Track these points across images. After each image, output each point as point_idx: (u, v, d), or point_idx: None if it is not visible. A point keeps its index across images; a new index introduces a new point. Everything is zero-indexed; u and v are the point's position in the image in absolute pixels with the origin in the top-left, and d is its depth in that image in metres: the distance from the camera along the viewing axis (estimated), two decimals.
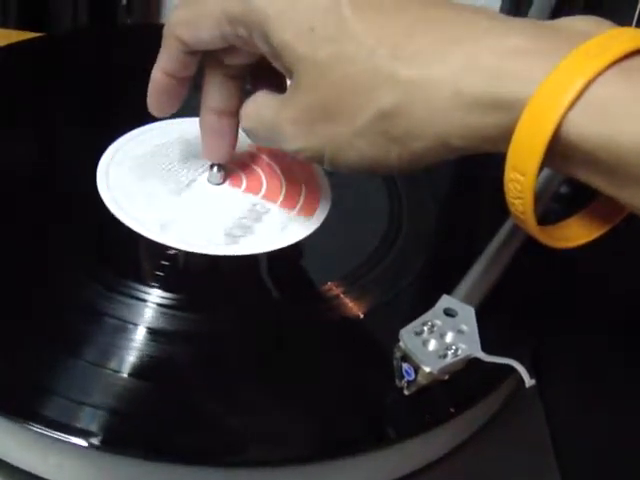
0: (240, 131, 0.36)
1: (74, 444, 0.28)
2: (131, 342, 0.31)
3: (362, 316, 0.33)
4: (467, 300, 0.32)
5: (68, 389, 0.29)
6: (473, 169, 0.40)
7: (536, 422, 0.35)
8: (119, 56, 0.48)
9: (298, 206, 0.37)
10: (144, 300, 0.32)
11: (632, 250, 0.38)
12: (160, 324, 0.31)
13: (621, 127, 0.24)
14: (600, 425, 0.34)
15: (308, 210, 0.37)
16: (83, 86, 0.44)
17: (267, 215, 0.37)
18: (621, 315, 0.37)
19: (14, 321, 0.31)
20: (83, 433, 0.28)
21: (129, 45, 0.49)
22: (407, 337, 0.29)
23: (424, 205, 0.39)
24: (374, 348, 0.33)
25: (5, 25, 0.66)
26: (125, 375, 0.30)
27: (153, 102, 0.35)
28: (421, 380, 0.29)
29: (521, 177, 0.25)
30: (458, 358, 0.29)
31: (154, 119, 0.37)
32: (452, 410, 0.30)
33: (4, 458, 0.30)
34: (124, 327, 0.31)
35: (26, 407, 0.28)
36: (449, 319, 0.30)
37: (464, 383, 0.30)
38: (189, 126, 0.39)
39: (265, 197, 0.38)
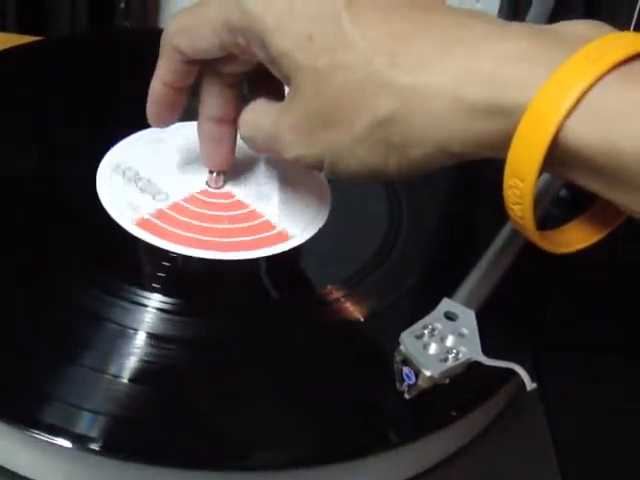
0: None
1: (74, 449, 0.27)
2: (131, 347, 0.31)
3: (362, 320, 0.33)
4: (468, 303, 0.31)
5: (68, 394, 0.29)
6: (472, 172, 0.40)
7: (537, 425, 0.35)
8: (118, 59, 0.48)
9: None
10: (144, 305, 0.32)
11: (632, 253, 0.38)
12: (160, 329, 0.31)
13: (621, 132, 0.24)
14: (601, 428, 0.34)
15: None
16: (82, 89, 0.44)
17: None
18: (622, 318, 0.37)
19: (13, 326, 0.31)
20: (83, 438, 0.28)
21: (127, 49, 0.49)
22: (408, 341, 0.29)
23: (424, 208, 0.39)
24: (375, 352, 0.33)
25: (3, 29, 0.66)
26: (125, 380, 0.30)
27: (153, 112, 0.35)
28: (422, 384, 0.29)
29: (520, 183, 0.25)
30: (459, 362, 0.29)
31: None
32: (453, 414, 0.30)
33: (3, 464, 0.30)
34: (124, 332, 0.31)
35: (26, 413, 0.28)
36: (450, 322, 0.30)
37: (465, 387, 0.30)
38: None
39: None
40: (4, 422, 0.28)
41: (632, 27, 0.48)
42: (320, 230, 0.37)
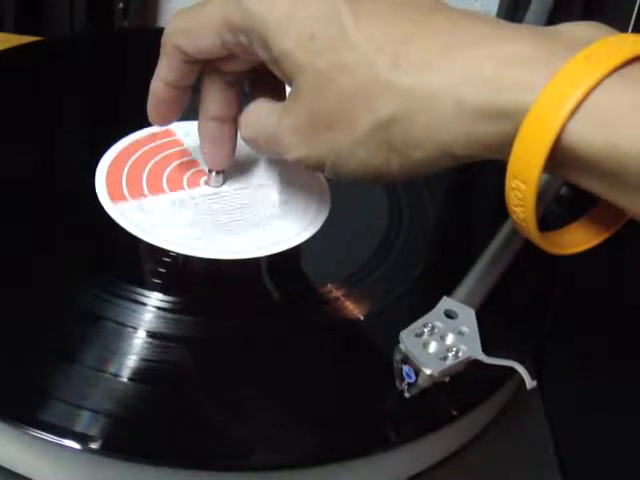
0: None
1: (73, 448, 0.27)
2: (130, 346, 0.31)
3: (362, 318, 0.33)
4: (467, 302, 0.31)
5: (67, 393, 0.29)
6: (473, 171, 0.40)
7: (537, 423, 0.35)
8: (116, 59, 0.48)
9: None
10: (143, 304, 0.32)
11: (632, 253, 0.38)
12: (159, 328, 0.31)
13: (622, 134, 0.24)
14: (601, 426, 0.34)
15: None
16: (81, 89, 0.44)
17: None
18: (621, 316, 0.37)
19: (12, 325, 0.31)
20: (82, 437, 0.27)
21: (126, 49, 0.49)
22: (407, 339, 0.29)
23: (424, 207, 0.39)
24: (375, 350, 0.33)
25: (2, 29, 0.66)
26: (125, 379, 0.29)
27: (153, 112, 0.35)
28: (422, 382, 0.29)
29: (522, 185, 0.25)
30: (459, 360, 0.29)
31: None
32: (453, 413, 0.30)
33: (2, 463, 0.30)
34: (123, 331, 0.31)
35: (25, 412, 0.28)
36: (449, 321, 0.30)
37: (465, 385, 0.30)
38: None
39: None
40: (3, 421, 0.28)
41: (630, 27, 0.48)
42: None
